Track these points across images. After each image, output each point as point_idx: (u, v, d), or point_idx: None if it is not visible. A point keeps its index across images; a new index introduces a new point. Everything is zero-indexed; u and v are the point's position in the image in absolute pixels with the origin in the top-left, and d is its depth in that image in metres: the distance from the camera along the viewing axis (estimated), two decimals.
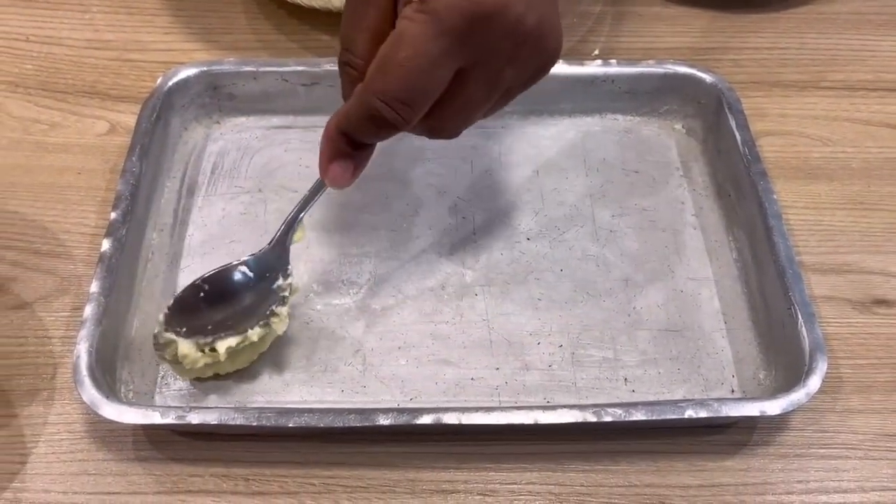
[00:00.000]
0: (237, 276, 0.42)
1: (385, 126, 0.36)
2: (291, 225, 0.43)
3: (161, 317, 0.41)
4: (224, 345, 0.41)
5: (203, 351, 0.41)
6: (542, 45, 0.36)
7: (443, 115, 0.37)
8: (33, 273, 0.47)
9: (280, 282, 0.43)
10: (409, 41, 0.34)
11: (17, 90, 0.56)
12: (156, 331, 0.41)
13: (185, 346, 0.41)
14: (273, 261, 0.43)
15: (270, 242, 0.43)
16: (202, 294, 0.41)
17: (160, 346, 0.41)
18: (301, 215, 0.43)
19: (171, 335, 0.41)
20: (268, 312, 0.42)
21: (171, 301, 0.41)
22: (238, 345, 0.41)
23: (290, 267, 0.43)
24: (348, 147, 0.38)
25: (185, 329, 0.41)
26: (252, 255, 0.42)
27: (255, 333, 0.42)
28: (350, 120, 0.37)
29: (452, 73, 0.35)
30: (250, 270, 0.42)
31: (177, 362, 0.41)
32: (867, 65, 0.59)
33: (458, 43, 0.34)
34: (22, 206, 0.50)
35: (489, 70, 0.36)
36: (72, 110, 0.55)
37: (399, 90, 0.35)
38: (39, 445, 0.41)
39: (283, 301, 0.43)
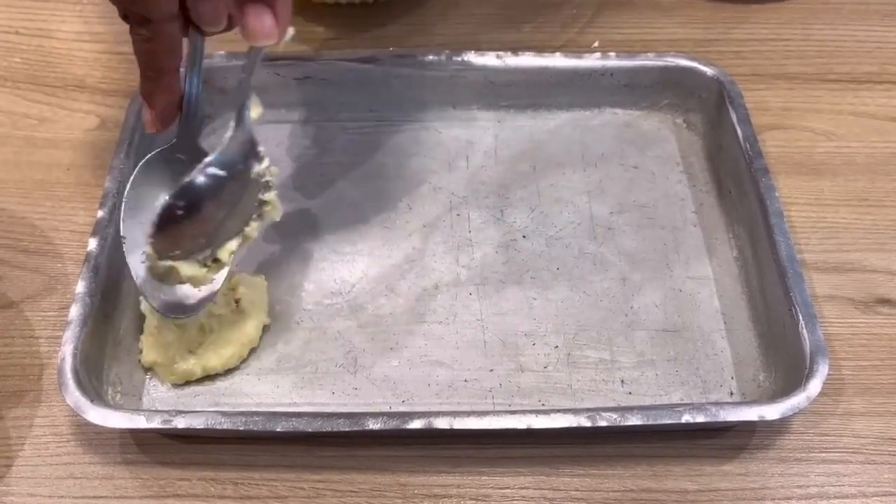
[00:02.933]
0: (208, 179, 0.38)
1: None
2: (242, 106, 0.40)
3: (148, 248, 0.38)
4: (226, 251, 0.40)
5: (207, 265, 0.40)
6: None
7: None
8: (20, 272, 0.46)
9: (257, 167, 0.40)
10: None
11: (6, 84, 0.55)
12: (147, 264, 0.38)
13: (188, 268, 0.39)
14: (240, 149, 0.40)
15: (229, 133, 0.39)
16: (180, 211, 0.38)
17: (160, 276, 0.39)
18: (249, 92, 0.40)
19: (167, 262, 0.39)
20: (257, 204, 0.41)
21: (152, 229, 0.38)
22: (240, 246, 0.40)
23: (261, 149, 0.40)
24: None
25: (178, 252, 0.39)
26: (214, 152, 0.39)
27: (252, 229, 0.40)
28: None
29: None
30: (220, 169, 0.39)
31: (178, 320, 0.40)
32: (873, 56, 0.58)
33: None
34: (10, 202, 0.49)
35: None
36: (61, 104, 0.54)
37: None
38: (25, 448, 0.41)
39: (267, 187, 0.40)
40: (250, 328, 0.43)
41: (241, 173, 0.40)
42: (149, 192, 0.40)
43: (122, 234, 0.40)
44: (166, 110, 0.40)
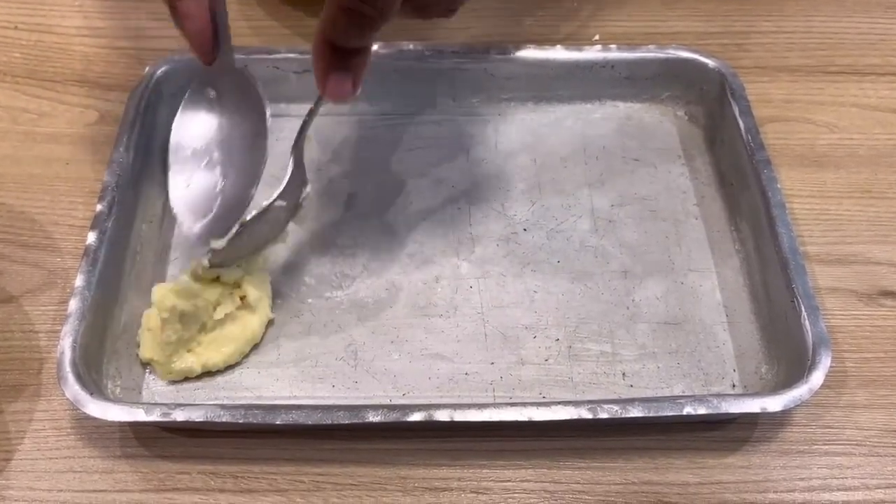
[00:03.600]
0: (269, 212, 0.42)
1: (365, 23, 0.35)
2: (301, 146, 0.43)
3: (204, 261, 0.41)
4: (261, 257, 0.44)
5: (241, 266, 0.43)
6: None
7: None
8: (20, 266, 0.46)
9: (303, 194, 0.44)
10: None
11: (6, 79, 0.55)
12: (199, 271, 0.42)
13: (227, 274, 0.42)
14: (297, 182, 0.43)
15: (290, 170, 0.42)
16: (245, 236, 0.41)
17: (201, 277, 0.42)
18: (306, 133, 0.43)
19: (214, 269, 0.42)
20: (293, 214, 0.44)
21: (210, 255, 0.41)
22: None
23: (307, 176, 0.44)
24: (338, 56, 0.37)
25: (227, 261, 0.42)
26: (281, 190, 0.42)
27: (285, 234, 0.44)
28: (329, 26, 0.36)
29: None
30: (284, 200, 0.42)
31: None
32: (876, 49, 0.58)
33: None
34: (9, 197, 0.49)
35: None
36: (61, 99, 0.54)
37: None
38: (25, 442, 0.41)
39: (302, 203, 0.44)
40: (255, 325, 0.43)
41: (293, 201, 0.43)
42: (192, 124, 0.42)
43: (169, 162, 0.42)
44: (195, 39, 0.40)
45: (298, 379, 0.42)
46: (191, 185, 0.41)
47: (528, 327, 0.44)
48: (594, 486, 0.40)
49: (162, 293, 0.41)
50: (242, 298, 0.43)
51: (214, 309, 0.43)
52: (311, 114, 0.43)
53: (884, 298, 0.46)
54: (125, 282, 0.44)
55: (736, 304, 0.45)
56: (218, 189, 0.41)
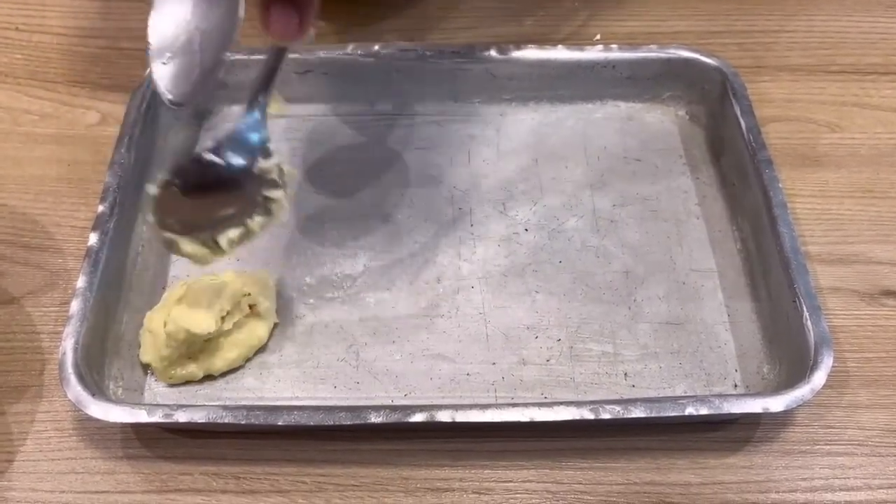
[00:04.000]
0: (207, 163, 0.38)
1: None
2: (254, 99, 0.39)
3: (150, 217, 0.38)
4: (225, 238, 0.39)
5: (208, 247, 0.39)
6: None
7: None
8: (22, 267, 0.46)
9: (264, 163, 0.39)
10: None
11: (7, 80, 0.55)
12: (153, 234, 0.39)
13: (187, 245, 0.39)
14: (247, 141, 0.39)
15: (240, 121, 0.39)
16: (176, 189, 0.38)
17: (168, 246, 0.39)
18: (267, 87, 0.39)
19: (168, 234, 0.38)
20: (262, 199, 0.39)
21: (152, 203, 0.38)
22: (240, 237, 0.39)
23: (270, 146, 0.39)
24: None
25: (178, 226, 0.38)
26: (218, 139, 0.38)
27: (255, 223, 0.39)
28: None
29: None
30: (218, 156, 0.38)
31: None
32: (877, 48, 0.58)
33: None
34: (11, 198, 0.49)
35: None
36: (62, 100, 0.54)
37: None
38: (27, 443, 0.41)
39: (275, 184, 0.39)
40: (261, 332, 0.43)
41: (245, 164, 0.39)
42: (166, 6, 0.40)
43: (148, 39, 0.39)
44: None
45: (300, 380, 0.42)
46: (169, 61, 0.39)
47: (529, 328, 0.44)
48: (596, 486, 0.40)
49: (174, 328, 0.40)
50: (251, 307, 0.43)
51: (222, 321, 0.42)
52: (268, 65, 0.38)
53: (885, 298, 0.46)
54: (127, 283, 0.44)
55: (737, 303, 0.45)
56: (197, 59, 0.39)
